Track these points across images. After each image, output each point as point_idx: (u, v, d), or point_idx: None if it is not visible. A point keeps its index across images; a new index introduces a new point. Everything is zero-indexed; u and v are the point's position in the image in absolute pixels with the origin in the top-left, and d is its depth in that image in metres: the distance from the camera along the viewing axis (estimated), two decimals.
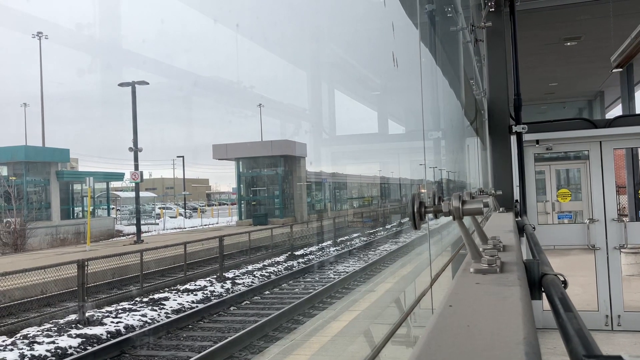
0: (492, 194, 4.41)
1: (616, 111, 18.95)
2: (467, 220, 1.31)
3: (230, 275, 17.58)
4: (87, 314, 12.13)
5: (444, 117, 4.36)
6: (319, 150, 37.28)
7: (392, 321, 2.30)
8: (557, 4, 8.88)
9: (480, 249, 1.42)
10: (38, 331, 11.28)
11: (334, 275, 17.81)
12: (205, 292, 15.10)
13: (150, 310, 13.01)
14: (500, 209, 4.61)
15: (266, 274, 17.97)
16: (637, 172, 13.25)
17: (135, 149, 28.68)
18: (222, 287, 15.80)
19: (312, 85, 29.18)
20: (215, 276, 17.27)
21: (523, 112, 6.64)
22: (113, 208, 44.07)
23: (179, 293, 14.94)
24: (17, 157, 32.90)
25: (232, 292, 15.18)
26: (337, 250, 24.42)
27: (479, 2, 6.06)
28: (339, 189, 44.69)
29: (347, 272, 17.76)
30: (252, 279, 17.16)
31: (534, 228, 3.36)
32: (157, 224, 44.15)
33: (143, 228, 32.81)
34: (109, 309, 13.15)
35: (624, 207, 14.43)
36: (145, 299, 14.11)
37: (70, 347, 10.40)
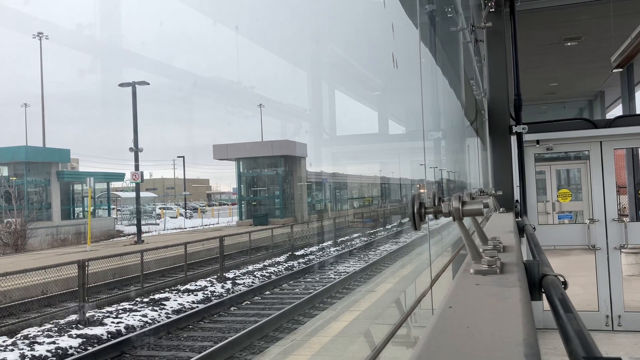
0: (492, 194, 4.41)
1: (616, 111, 18.95)
2: (467, 220, 1.32)
3: (230, 275, 17.58)
4: (87, 314, 12.13)
5: (444, 117, 4.36)
6: (319, 150, 37.30)
7: (393, 321, 2.30)
8: (558, 4, 8.88)
9: (481, 250, 1.42)
10: (39, 331, 11.29)
11: (335, 275, 17.81)
12: (206, 292, 15.10)
13: (150, 310, 13.01)
14: (501, 209, 4.61)
15: (267, 274, 17.97)
16: (637, 172, 13.24)
17: (136, 149, 28.68)
18: (222, 287, 15.81)
19: (312, 85, 29.20)
20: (215, 276, 17.27)
21: (523, 112, 6.64)
22: (113, 208, 44.09)
23: (180, 293, 14.94)
24: (17, 157, 32.92)
25: (232, 293, 15.18)
26: (337, 250, 24.42)
27: (479, 2, 6.06)
28: (339, 189, 44.69)
29: (347, 273, 17.76)
30: (253, 279, 17.16)
31: (534, 228, 3.36)
32: (158, 224, 44.16)
33: (143, 228, 32.81)
34: (109, 309, 13.15)
35: (625, 207, 14.43)
36: (145, 299, 14.12)
37: (71, 347, 10.40)
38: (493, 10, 6.16)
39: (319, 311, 12.65)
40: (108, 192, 40.99)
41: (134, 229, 32.82)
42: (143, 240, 26.45)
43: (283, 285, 16.53)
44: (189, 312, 12.85)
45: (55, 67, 77.27)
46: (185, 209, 58.03)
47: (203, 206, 66.42)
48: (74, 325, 11.64)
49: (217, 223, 45.73)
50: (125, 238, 32.32)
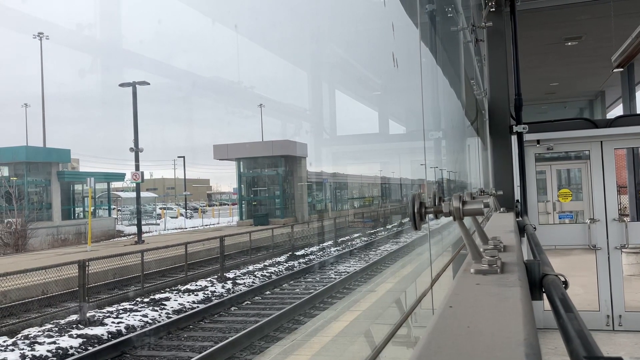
0: (492, 194, 4.41)
1: (617, 111, 18.93)
2: (467, 220, 1.31)
3: (231, 275, 17.58)
4: (88, 314, 12.14)
5: (444, 117, 4.36)
6: (319, 150, 37.31)
7: (393, 321, 2.29)
8: (558, 3, 8.87)
9: (481, 250, 1.42)
10: (39, 331, 11.29)
11: (335, 275, 17.81)
12: (206, 292, 15.11)
13: (151, 310, 13.02)
14: (501, 209, 4.60)
15: (267, 274, 17.97)
16: (638, 172, 13.23)
17: (136, 149, 28.69)
18: (222, 287, 15.81)
19: (312, 85, 29.19)
20: (216, 276, 17.27)
21: (524, 112, 6.63)
22: (114, 208, 44.10)
23: (180, 293, 14.95)
24: (18, 157, 32.93)
25: (232, 293, 15.18)
26: (337, 250, 24.42)
27: (479, 2, 6.06)
28: (339, 189, 44.69)
29: (347, 273, 17.76)
30: (253, 279, 17.16)
31: (534, 228, 3.36)
32: (158, 224, 44.17)
33: (144, 228, 32.82)
34: (109, 309, 13.15)
35: (625, 207, 14.42)
36: (146, 299, 14.12)
37: (71, 347, 10.40)
38: (493, 10, 6.16)
39: (319, 311, 12.65)
40: (108, 192, 41.01)
41: (134, 229, 32.83)
42: (143, 241, 26.45)
43: (283, 285, 16.53)
44: (189, 312, 12.85)
45: (55, 67, 77.29)
46: (186, 209, 58.04)
47: (203, 206, 66.44)
48: (74, 325, 11.65)
49: (218, 223, 45.74)
50: (125, 238, 32.33)
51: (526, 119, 6.65)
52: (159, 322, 12.14)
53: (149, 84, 28.57)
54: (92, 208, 33.75)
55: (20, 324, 12.05)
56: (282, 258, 21.70)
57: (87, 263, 13.31)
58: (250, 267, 19.39)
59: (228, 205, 66.02)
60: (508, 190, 5.96)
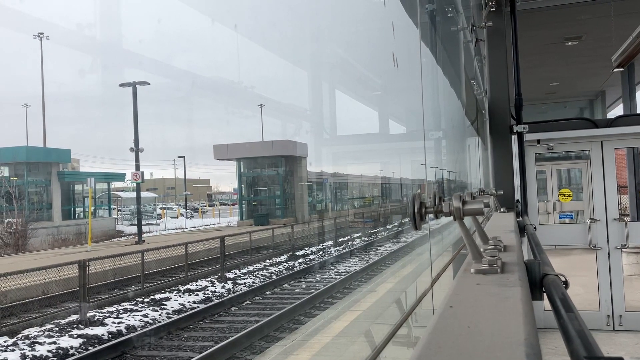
0: (493, 193, 4.41)
1: (617, 111, 18.93)
2: (468, 220, 1.31)
3: (231, 275, 17.58)
4: (88, 315, 12.14)
5: (444, 117, 4.35)
6: (319, 150, 37.29)
7: (393, 321, 2.29)
8: (558, 3, 8.87)
9: (481, 249, 1.42)
10: (39, 331, 11.29)
11: (335, 275, 17.81)
12: (207, 292, 15.11)
13: (151, 310, 13.02)
14: (502, 209, 4.60)
15: (267, 274, 17.97)
16: (638, 171, 13.23)
17: (136, 149, 28.68)
18: (223, 287, 15.81)
19: (312, 85, 29.18)
20: (216, 276, 17.27)
21: (524, 112, 6.63)
22: (114, 208, 44.12)
23: (180, 293, 14.95)
24: (18, 157, 32.95)
25: (233, 293, 15.18)
26: (338, 250, 24.42)
27: (479, 2, 6.06)
28: (339, 189, 44.69)
29: (348, 272, 17.76)
30: (253, 279, 17.17)
31: (535, 228, 3.36)
32: (158, 224, 44.18)
33: (144, 228, 32.83)
34: (110, 309, 13.16)
35: (625, 207, 14.42)
36: (146, 300, 14.12)
37: (72, 347, 10.40)
38: (494, 9, 6.16)
39: (319, 311, 12.65)
40: (109, 192, 41.02)
41: (134, 229, 32.84)
42: (144, 241, 26.45)
43: (284, 285, 16.53)
44: (189, 312, 12.86)
45: (55, 67, 77.34)
46: (186, 209, 58.05)
47: (204, 206, 66.45)
48: (74, 326, 11.65)
49: (218, 223, 45.75)
50: (125, 238, 32.34)
51: (526, 119, 6.65)
52: (160, 322, 12.14)
53: (149, 84, 28.58)
54: (93, 208, 33.76)
55: (21, 324, 12.05)
56: (283, 258, 21.70)
57: (87, 263, 13.31)
58: (251, 267, 19.39)
59: (228, 205, 66.04)
60: (508, 190, 5.96)
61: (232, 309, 13.64)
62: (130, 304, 13.68)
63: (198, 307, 13.47)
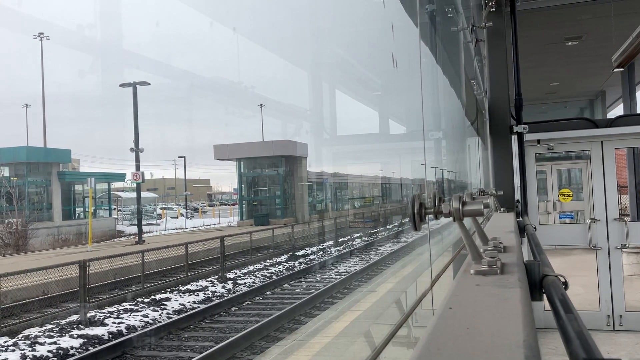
0: (493, 194, 4.41)
1: (617, 111, 18.92)
2: (467, 221, 1.31)
3: (231, 275, 17.58)
4: (88, 315, 12.14)
5: (444, 117, 4.35)
6: (320, 150, 37.30)
7: (393, 322, 2.29)
8: (558, 3, 8.87)
9: (481, 250, 1.42)
10: (40, 332, 11.30)
11: (335, 275, 17.81)
12: (207, 292, 15.11)
13: (151, 310, 13.02)
14: (502, 209, 4.60)
15: (267, 274, 17.97)
16: (638, 171, 13.22)
17: (137, 150, 28.67)
18: (223, 287, 15.81)
19: (313, 85, 29.19)
20: (216, 276, 17.27)
21: (524, 112, 6.63)
22: (114, 208, 44.12)
23: (181, 293, 14.95)
24: (18, 157, 32.95)
25: (233, 293, 15.18)
26: (338, 250, 24.42)
27: (479, 2, 6.06)
28: (340, 189, 44.70)
29: (348, 273, 17.76)
30: (254, 279, 17.17)
31: (535, 228, 3.36)
32: (159, 224, 44.19)
33: (144, 228, 32.82)
34: (110, 309, 13.16)
35: (626, 207, 14.41)
36: (146, 300, 14.13)
37: (72, 347, 10.41)
38: (493, 10, 6.15)
39: (319, 311, 12.65)
40: (109, 192, 41.02)
41: (134, 229, 32.84)
42: (144, 241, 26.45)
43: (284, 285, 16.53)
44: (190, 312, 12.86)
45: (56, 67, 77.34)
46: (186, 209, 58.05)
47: (204, 206, 66.45)
48: (75, 326, 11.65)
49: (218, 223, 45.75)
50: (126, 238, 32.34)
51: (526, 119, 6.65)
52: (160, 322, 12.14)
53: (149, 84, 28.56)
54: (93, 208, 33.77)
55: (21, 324, 12.06)
56: (283, 258, 21.71)
57: (87, 263, 13.32)
58: (251, 267, 19.39)
59: (228, 205, 66.05)
60: (508, 190, 5.96)
61: (233, 309, 13.64)
62: (130, 304, 13.69)
63: (198, 307, 13.47)
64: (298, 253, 22.77)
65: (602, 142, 7.74)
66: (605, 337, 7.13)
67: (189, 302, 14.01)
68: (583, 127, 8.04)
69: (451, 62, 4.33)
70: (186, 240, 19.61)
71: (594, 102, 19.21)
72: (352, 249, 24.38)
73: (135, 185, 32.18)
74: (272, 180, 40.83)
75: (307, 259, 21.58)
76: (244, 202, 41.69)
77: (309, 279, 17.57)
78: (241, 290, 15.42)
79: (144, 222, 34.25)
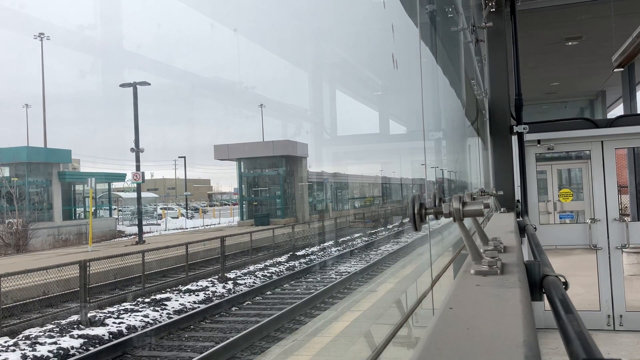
0: (493, 194, 4.41)
1: (618, 111, 18.92)
2: (468, 221, 1.31)
3: (231, 275, 17.58)
4: (89, 315, 12.14)
5: (444, 117, 4.35)
6: (320, 150, 37.29)
7: (393, 322, 2.29)
8: (558, 3, 8.87)
9: (481, 250, 1.42)
10: (40, 332, 11.30)
11: (336, 275, 17.81)
12: (207, 292, 15.11)
13: (152, 310, 13.02)
14: (502, 209, 4.60)
15: (268, 275, 17.97)
16: (638, 171, 13.22)
17: (137, 150, 28.68)
18: (223, 287, 15.81)
19: (313, 85, 29.18)
20: (217, 277, 17.27)
21: (524, 112, 6.63)
22: (115, 209, 44.13)
23: (181, 293, 14.95)
24: (19, 158, 32.96)
25: (233, 293, 15.18)
26: (338, 250, 24.42)
27: (479, 2, 6.05)
28: (340, 189, 44.71)
29: (348, 273, 17.76)
30: (254, 279, 17.17)
31: (535, 228, 3.36)
32: (159, 224, 44.20)
33: (145, 229, 32.83)
34: (111, 309, 13.16)
35: (626, 207, 14.41)
36: (147, 300, 14.13)
37: (72, 347, 10.41)
38: (494, 10, 6.15)
39: (320, 311, 12.65)
40: (109, 192, 41.03)
41: (135, 230, 32.84)
42: (144, 241, 26.45)
43: (284, 286, 16.53)
44: (190, 312, 12.86)
45: (56, 67, 77.40)
46: (187, 209, 58.05)
47: (204, 206, 66.46)
48: (75, 326, 11.66)
49: (219, 223, 45.76)
50: (126, 238, 32.34)
51: (526, 119, 6.65)
52: (160, 322, 12.15)
53: (149, 84, 28.56)
54: (93, 208, 33.77)
55: (22, 325, 12.06)
56: (283, 258, 21.71)
57: (88, 263, 13.32)
58: (251, 267, 19.39)
59: (229, 205, 66.05)
60: (508, 190, 5.96)
61: (233, 309, 13.64)
62: (131, 304, 13.69)
63: (199, 307, 13.47)
64: (298, 253, 22.77)
65: (602, 142, 7.74)
66: (606, 337, 7.13)
67: (189, 302, 14.01)
68: (583, 127, 8.04)
69: (451, 62, 4.33)
70: (186, 241, 19.61)
71: (594, 102, 19.21)
72: (352, 249, 24.38)
73: (135, 185, 32.18)
74: (273, 180, 40.84)
75: (307, 259, 21.58)
76: (244, 202, 41.69)
77: (309, 279, 17.57)
78: (241, 290, 15.42)
79: (144, 222, 34.26)
